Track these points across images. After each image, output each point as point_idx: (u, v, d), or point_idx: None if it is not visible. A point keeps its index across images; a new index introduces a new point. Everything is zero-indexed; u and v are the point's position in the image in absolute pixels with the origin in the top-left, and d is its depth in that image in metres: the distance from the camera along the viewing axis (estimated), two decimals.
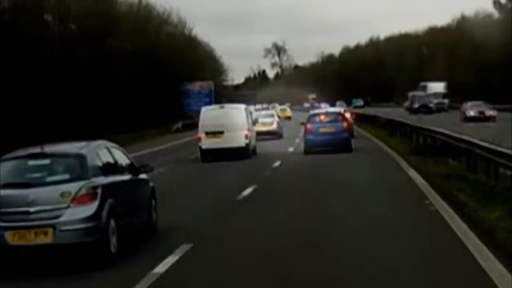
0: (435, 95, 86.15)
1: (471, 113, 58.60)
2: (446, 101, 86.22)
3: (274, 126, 46.29)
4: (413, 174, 21.37)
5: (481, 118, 56.46)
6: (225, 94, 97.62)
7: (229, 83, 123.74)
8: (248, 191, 18.99)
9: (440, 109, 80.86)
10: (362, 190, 18.77)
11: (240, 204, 17.22)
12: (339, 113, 34.60)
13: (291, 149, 34.73)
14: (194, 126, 41.59)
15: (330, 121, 32.07)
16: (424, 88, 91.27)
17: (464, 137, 22.29)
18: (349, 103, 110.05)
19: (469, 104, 61.19)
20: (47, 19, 56.36)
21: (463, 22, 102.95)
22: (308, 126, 31.96)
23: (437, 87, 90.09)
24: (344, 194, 18.15)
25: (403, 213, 14.78)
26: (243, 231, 13.75)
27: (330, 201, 17.05)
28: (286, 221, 14.60)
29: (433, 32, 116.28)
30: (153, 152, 40.29)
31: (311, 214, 15.26)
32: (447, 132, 25.72)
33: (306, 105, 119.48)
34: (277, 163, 27.26)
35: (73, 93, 53.20)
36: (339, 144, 30.96)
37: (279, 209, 16.29)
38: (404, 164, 24.47)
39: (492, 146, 18.08)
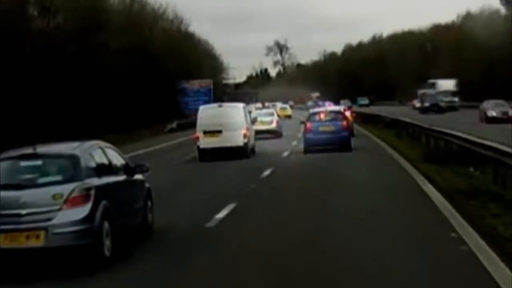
0: (445, 93, 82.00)
1: (493, 113, 52.47)
2: (456, 99, 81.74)
3: (273, 125, 45.88)
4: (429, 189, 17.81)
5: (504, 119, 50.17)
6: (226, 92, 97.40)
7: (231, 81, 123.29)
8: (229, 207, 16.29)
9: (450, 107, 76.41)
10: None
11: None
12: (339, 112, 34.80)
13: (286, 153, 32.08)
14: (191, 125, 40.78)
15: (330, 120, 32.02)
16: (433, 85, 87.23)
17: (488, 142, 18.96)
18: (353, 102, 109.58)
19: (489, 103, 54.73)
20: (31, 12, 55.14)
21: (468, 19, 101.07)
22: (308, 125, 31.93)
23: (447, 84, 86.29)
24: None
25: (415, 243, 11.93)
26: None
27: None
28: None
29: (437, 30, 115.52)
30: (147, 152, 39.60)
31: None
32: (464, 135, 22.64)
33: (309, 103, 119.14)
34: (267, 172, 24.10)
35: (64, 91, 52.22)
36: (338, 143, 30.91)
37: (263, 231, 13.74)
38: (419, 177, 20.30)
39: None
